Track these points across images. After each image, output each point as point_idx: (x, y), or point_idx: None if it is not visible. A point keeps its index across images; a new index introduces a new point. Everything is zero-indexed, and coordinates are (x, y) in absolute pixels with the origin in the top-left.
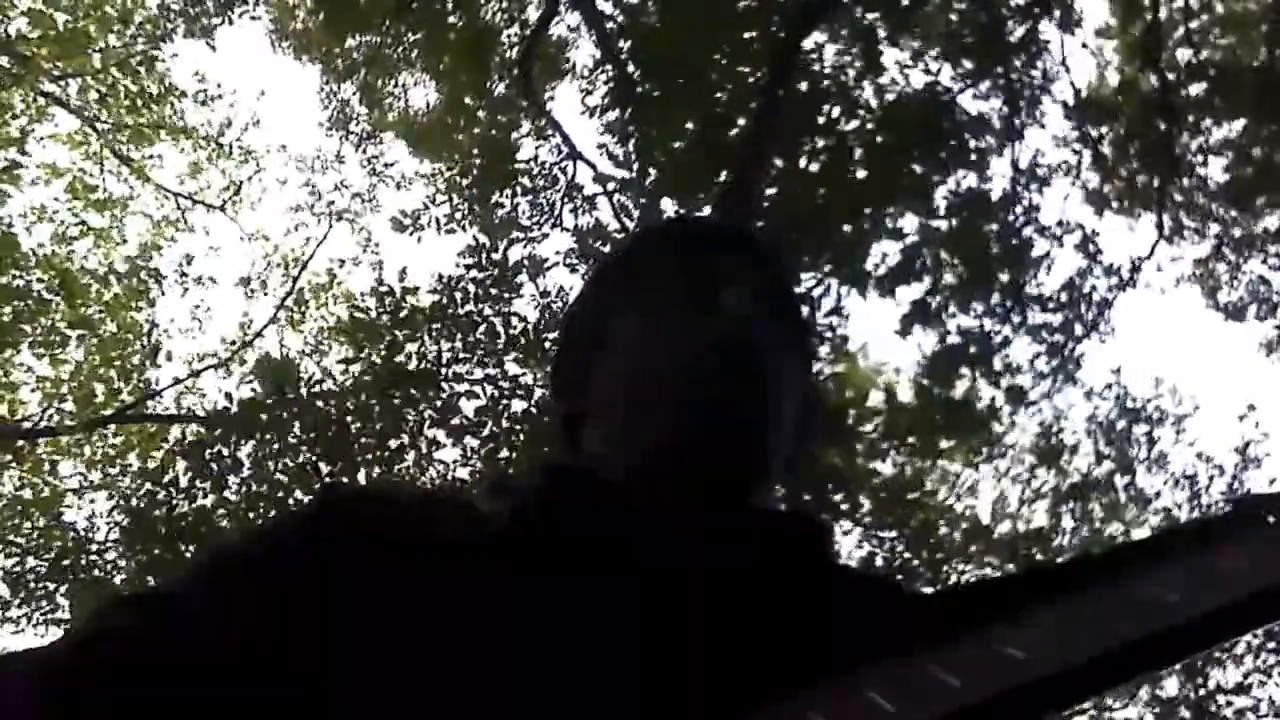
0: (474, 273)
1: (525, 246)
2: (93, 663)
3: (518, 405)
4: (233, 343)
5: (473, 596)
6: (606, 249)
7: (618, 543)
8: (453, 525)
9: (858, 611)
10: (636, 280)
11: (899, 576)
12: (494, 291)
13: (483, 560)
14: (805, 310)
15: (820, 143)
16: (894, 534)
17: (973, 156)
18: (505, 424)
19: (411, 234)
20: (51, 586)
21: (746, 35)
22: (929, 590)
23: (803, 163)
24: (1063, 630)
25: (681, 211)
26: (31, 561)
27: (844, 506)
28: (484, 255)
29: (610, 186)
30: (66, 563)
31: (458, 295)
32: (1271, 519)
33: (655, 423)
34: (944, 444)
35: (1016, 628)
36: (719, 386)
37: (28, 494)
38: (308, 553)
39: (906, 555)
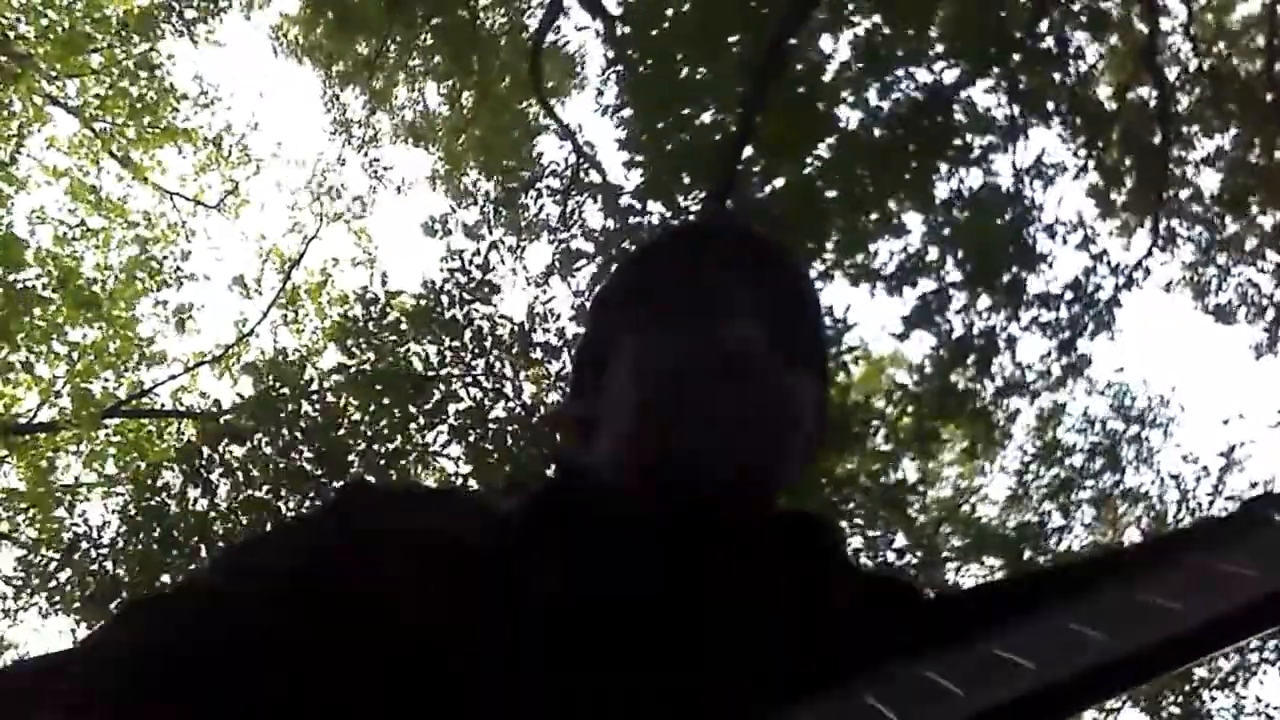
0: (458, 276)
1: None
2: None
3: (505, 406)
4: (227, 346)
5: (495, 591)
6: (618, 253)
7: (630, 543)
8: (471, 520)
9: (868, 613)
10: (644, 288)
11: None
12: (477, 295)
13: (502, 553)
14: (822, 316)
15: (820, 141)
16: (894, 535)
17: (976, 153)
18: (493, 426)
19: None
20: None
21: (740, 32)
22: (940, 593)
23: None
24: (1066, 638)
25: (690, 215)
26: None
27: (844, 507)
28: (467, 260)
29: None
30: (76, 555)
31: (444, 299)
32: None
33: (658, 437)
34: (946, 440)
35: (1020, 634)
36: (722, 400)
37: (24, 487)
38: (334, 537)
39: (905, 557)
